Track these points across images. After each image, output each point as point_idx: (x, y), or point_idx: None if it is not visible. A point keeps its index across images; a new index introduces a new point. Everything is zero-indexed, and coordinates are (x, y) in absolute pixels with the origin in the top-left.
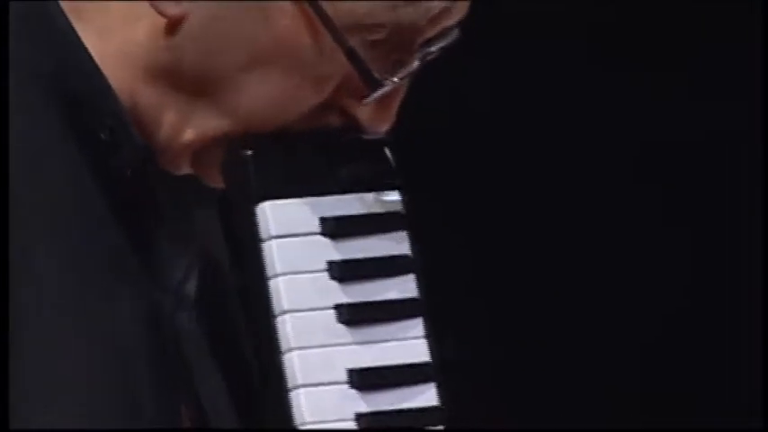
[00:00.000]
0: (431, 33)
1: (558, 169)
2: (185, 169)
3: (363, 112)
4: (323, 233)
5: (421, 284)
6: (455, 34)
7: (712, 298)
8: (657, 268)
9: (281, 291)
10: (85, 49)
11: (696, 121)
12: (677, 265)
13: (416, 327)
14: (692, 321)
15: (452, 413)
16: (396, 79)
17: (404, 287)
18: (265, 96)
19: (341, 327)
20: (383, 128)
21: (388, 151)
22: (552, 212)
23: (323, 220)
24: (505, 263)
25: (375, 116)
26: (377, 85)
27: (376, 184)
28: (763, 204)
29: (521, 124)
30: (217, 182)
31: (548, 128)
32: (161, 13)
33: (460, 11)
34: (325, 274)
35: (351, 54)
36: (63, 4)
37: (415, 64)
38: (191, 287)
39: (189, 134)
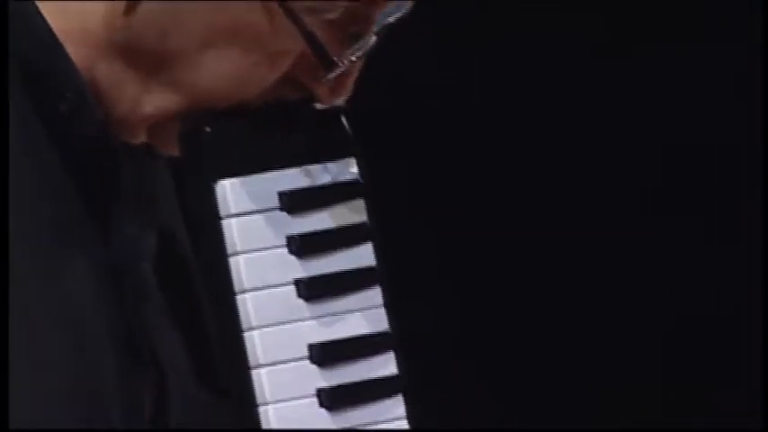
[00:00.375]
0: (388, 5)
1: (534, 147)
2: (142, 138)
3: (320, 85)
4: (281, 208)
5: (378, 252)
6: (411, 3)
7: (711, 297)
8: (645, 259)
9: (242, 269)
10: (46, 24)
11: (688, 121)
12: (669, 260)
13: (375, 296)
14: (691, 320)
15: (411, 381)
16: (353, 59)
17: (361, 256)
18: (222, 75)
19: (300, 302)
20: (340, 100)
21: (344, 120)
22: (525, 190)
23: (281, 195)
24: (467, 233)
25: (332, 89)
26: (334, 66)
27: (333, 154)
28: (764, 205)
29: (482, 98)
30: (173, 151)
31: (525, 108)
32: None
33: None
34: (285, 250)
35: (309, 37)
36: None
37: (373, 39)
38: (149, 255)
39: (146, 109)
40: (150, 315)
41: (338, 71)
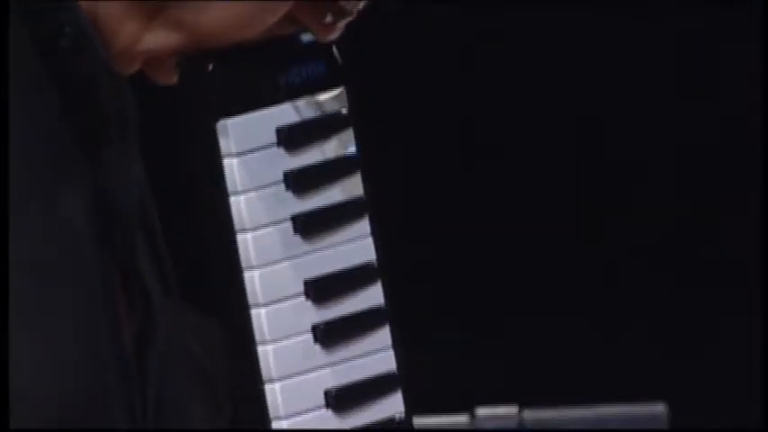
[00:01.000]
0: None
1: (537, 142)
2: (136, 68)
3: (318, 24)
4: (278, 143)
5: (366, 184)
6: None
7: (710, 296)
8: (645, 258)
9: (243, 209)
10: None
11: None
12: (669, 260)
13: (363, 227)
14: (691, 318)
15: (395, 311)
16: (360, 7)
17: (350, 188)
18: (228, 17)
19: (297, 238)
20: (334, 36)
21: (335, 50)
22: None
23: (279, 131)
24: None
25: (328, 28)
26: (344, 14)
27: (327, 85)
28: (764, 205)
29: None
30: (169, 80)
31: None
32: None
33: None
34: (282, 186)
35: None
36: None
37: None
38: (138, 194)
39: (145, 45)
40: (139, 251)
41: (348, 20)
